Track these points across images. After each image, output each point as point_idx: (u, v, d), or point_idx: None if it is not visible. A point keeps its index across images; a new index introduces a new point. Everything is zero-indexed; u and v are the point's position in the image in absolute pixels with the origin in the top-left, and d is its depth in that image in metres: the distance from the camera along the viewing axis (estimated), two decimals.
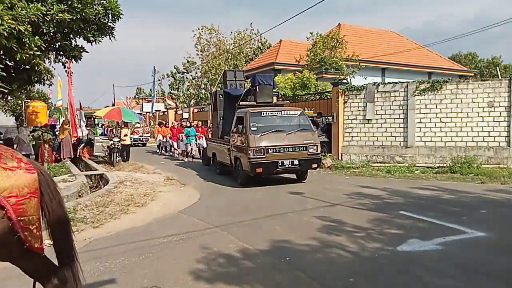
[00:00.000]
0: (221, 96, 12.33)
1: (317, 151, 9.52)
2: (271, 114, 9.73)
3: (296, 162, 9.19)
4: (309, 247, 4.78)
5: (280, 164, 9.05)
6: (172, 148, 18.14)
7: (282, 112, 9.87)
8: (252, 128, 9.19)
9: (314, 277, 3.87)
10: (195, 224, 6.12)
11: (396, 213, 6.46)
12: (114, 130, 16.75)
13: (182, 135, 16.21)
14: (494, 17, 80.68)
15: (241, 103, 10.58)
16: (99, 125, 23.10)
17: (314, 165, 9.64)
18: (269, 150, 9.00)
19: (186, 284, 3.81)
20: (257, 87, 10.50)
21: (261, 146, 8.94)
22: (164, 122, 20.84)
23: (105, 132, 17.40)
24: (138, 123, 24.61)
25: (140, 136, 25.38)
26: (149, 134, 26.67)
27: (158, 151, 19.97)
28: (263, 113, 9.63)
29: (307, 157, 9.33)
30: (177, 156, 17.16)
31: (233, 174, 10.48)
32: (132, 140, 23.41)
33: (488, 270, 3.97)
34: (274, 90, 12.58)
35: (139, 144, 24.88)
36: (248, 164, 8.92)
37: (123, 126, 16.92)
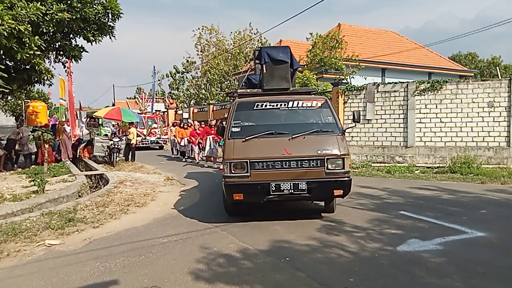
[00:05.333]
0: (244, 85, 8.97)
1: (343, 168, 5.68)
2: (271, 107, 6.41)
3: (303, 185, 5.59)
4: (309, 247, 4.78)
5: (274, 188, 5.59)
6: (192, 153, 15.47)
7: (289, 103, 6.43)
8: (233, 129, 6.08)
9: (314, 277, 3.86)
10: (195, 224, 6.11)
11: (396, 213, 6.46)
12: (126, 132, 16.39)
13: (210, 138, 13.47)
14: (494, 17, 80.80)
15: (239, 91, 7.68)
16: (106, 125, 22.71)
17: (337, 192, 5.70)
18: (256, 165, 5.63)
19: (186, 284, 3.81)
20: (264, 66, 7.20)
21: (243, 159, 5.64)
22: (183, 122, 18.04)
23: (118, 133, 16.76)
24: (156, 123, 24.00)
25: (158, 138, 22.97)
26: (167, 136, 23.39)
27: (179, 156, 16.92)
28: (257, 105, 6.39)
29: (324, 178, 5.63)
30: (199, 162, 14.58)
31: None
32: (149, 142, 22.35)
33: (488, 270, 3.97)
34: (294, 70, 7.90)
35: (156, 147, 22.79)
36: (223, 185, 5.85)
37: (127, 126, 16.87)
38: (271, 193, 5.64)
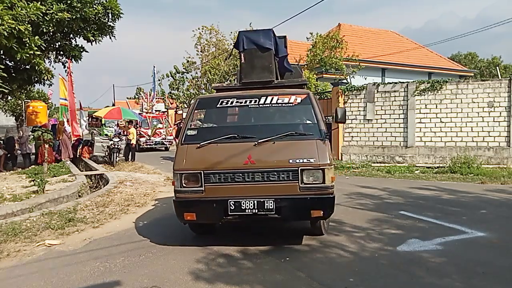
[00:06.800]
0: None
1: (323, 182, 4.50)
2: (238, 103, 5.32)
3: (270, 204, 4.48)
4: (309, 247, 4.77)
5: (233, 207, 4.54)
6: None
7: (261, 99, 5.21)
8: (188, 132, 5.10)
9: (314, 277, 3.86)
10: None
11: (396, 213, 6.46)
12: (127, 132, 16.29)
13: None
14: (495, 17, 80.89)
15: (214, 85, 6.85)
16: (108, 125, 22.48)
17: (316, 213, 4.56)
18: (212, 177, 4.60)
19: (186, 284, 3.81)
20: (243, 54, 6.00)
21: (196, 169, 4.64)
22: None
23: (122, 133, 16.63)
24: (161, 123, 23.69)
25: (163, 139, 22.15)
26: (172, 137, 22.11)
27: None
28: (221, 102, 5.32)
29: (298, 194, 4.50)
30: None
31: None
32: (154, 143, 21.66)
33: (488, 270, 3.97)
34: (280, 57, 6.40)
35: (161, 148, 22.07)
36: (173, 202, 4.85)
37: (126, 126, 16.88)
38: (230, 213, 4.56)
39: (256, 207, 4.51)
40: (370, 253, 4.52)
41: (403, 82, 13.23)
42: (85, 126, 22.73)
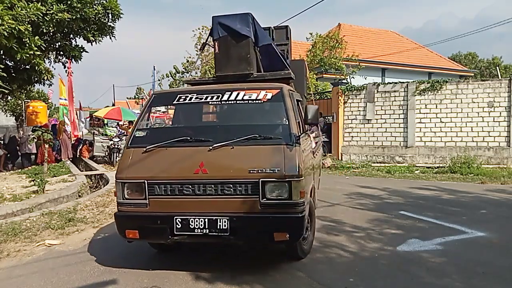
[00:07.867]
0: None
1: (289, 197, 3.66)
2: (197, 100, 4.47)
3: (223, 223, 3.70)
4: None
5: (180, 225, 3.78)
6: None
7: (225, 95, 4.36)
8: (137, 133, 4.39)
9: (314, 277, 3.86)
10: None
11: (396, 213, 6.47)
12: (127, 132, 16.37)
13: None
14: (494, 17, 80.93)
15: (184, 79, 5.70)
16: (110, 125, 22.45)
17: (280, 236, 3.67)
18: (157, 188, 3.89)
19: (186, 284, 3.81)
20: (217, 43, 5.12)
21: (139, 178, 3.97)
22: None
23: (126, 133, 16.74)
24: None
25: None
26: None
27: None
28: (179, 98, 4.51)
29: (259, 212, 3.70)
30: None
31: None
32: None
33: (488, 270, 3.97)
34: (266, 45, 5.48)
35: None
36: (114, 216, 4.35)
37: (128, 126, 16.88)
38: (176, 232, 3.79)
39: (207, 227, 3.73)
40: (370, 253, 4.52)
41: (403, 82, 13.23)
42: (84, 126, 22.74)
